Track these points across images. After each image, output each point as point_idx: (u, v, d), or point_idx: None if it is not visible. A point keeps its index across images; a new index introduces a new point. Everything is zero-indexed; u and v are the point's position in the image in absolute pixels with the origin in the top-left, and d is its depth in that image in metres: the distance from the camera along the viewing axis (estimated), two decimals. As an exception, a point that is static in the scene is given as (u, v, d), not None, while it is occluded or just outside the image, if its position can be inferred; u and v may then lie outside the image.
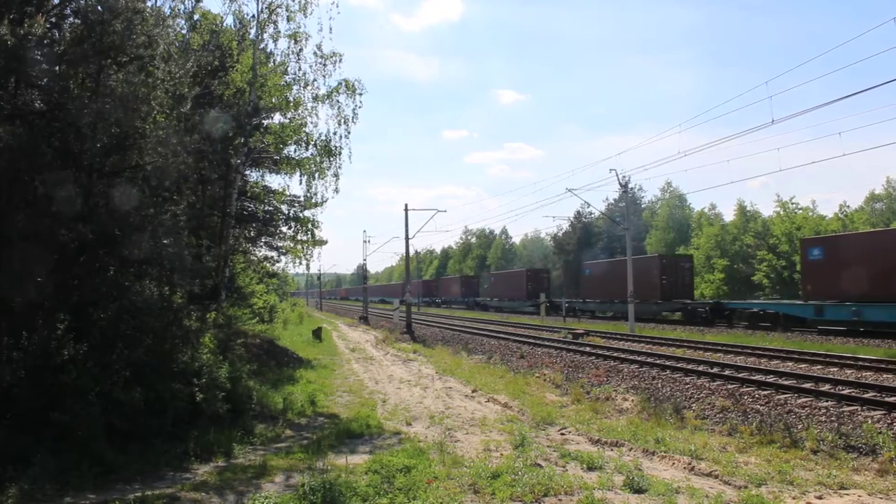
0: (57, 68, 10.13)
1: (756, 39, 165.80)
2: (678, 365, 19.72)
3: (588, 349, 25.40)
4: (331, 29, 17.15)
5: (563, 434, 11.57)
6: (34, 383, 8.85)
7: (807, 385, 15.39)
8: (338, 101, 17.58)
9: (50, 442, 8.54)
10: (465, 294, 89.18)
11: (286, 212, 23.93)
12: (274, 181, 24.53)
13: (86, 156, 10.09)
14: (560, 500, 7.58)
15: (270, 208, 24.18)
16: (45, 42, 9.82)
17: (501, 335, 33.73)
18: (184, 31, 16.50)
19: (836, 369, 18.48)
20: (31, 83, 10.02)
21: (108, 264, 10.79)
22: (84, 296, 10.18)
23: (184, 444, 9.79)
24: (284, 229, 24.60)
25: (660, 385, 17.04)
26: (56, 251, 9.69)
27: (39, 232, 9.41)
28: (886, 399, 13.42)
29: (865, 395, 13.88)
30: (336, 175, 17.90)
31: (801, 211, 61.73)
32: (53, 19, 10.65)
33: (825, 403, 13.54)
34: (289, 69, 17.47)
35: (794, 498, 7.85)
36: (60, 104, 10.06)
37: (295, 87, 17.52)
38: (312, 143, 17.79)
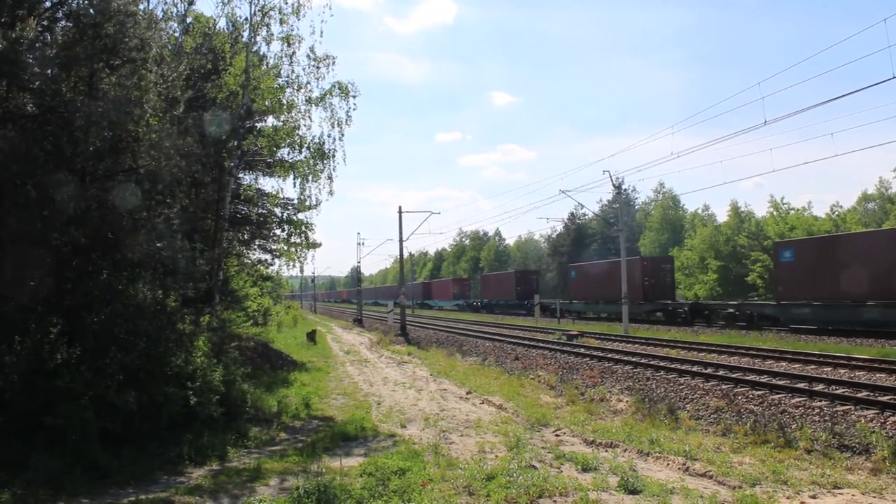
0: (49, 71, 10.12)
1: (747, 41, 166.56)
2: (672, 366, 19.74)
3: (582, 350, 25.41)
4: (322, 32, 17.13)
5: (557, 435, 11.58)
6: (27, 388, 8.83)
7: (800, 385, 15.43)
8: (331, 104, 17.56)
9: (43, 446, 8.53)
10: (523, 295, 66.89)
11: (280, 214, 23.92)
12: (267, 184, 24.52)
13: (78, 159, 10.08)
14: (555, 501, 7.58)
15: (264, 211, 24.16)
16: (37, 45, 9.79)
17: (496, 337, 33.72)
18: (176, 34, 16.49)
19: (829, 369, 18.53)
20: (23, 86, 10.00)
21: (101, 268, 10.76)
22: (77, 299, 10.15)
23: (178, 448, 9.77)
24: (278, 232, 24.63)
25: (654, 386, 17.07)
26: (49, 255, 9.67)
27: (32, 235, 9.38)
28: (879, 398, 13.46)
29: (859, 395, 13.92)
30: (330, 177, 17.88)
31: (794, 211, 61.95)
32: (45, 22, 10.64)
33: (819, 403, 13.57)
34: (282, 72, 17.45)
35: (788, 497, 7.87)
36: (53, 107, 10.04)
37: (288, 90, 17.50)
38: (306, 145, 17.76)
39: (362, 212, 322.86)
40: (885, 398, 13.48)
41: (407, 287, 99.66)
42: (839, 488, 8.36)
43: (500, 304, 72.20)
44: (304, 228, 20.28)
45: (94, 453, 8.79)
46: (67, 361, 9.25)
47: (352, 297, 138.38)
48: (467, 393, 16.56)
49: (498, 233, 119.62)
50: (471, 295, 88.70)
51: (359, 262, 66.62)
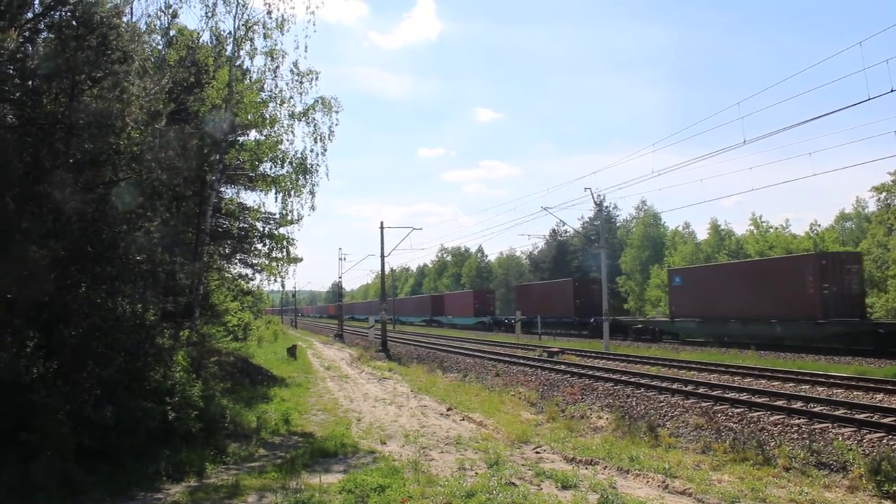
0: (30, 83, 10.04)
1: (727, 61, 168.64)
2: (652, 383, 19.81)
3: (563, 367, 25.45)
4: (306, 47, 17.14)
5: (537, 452, 11.57)
6: (2, 402, 8.69)
7: (779, 403, 15.53)
8: (314, 119, 17.55)
9: (17, 462, 8.39)
10: (584, 310, 51.22)
11: (261, 229, 23.85)
12: (249, 198, 24.54)
13: (58, 171, 9.99)
14: (535, 518, 7.57)
15: (245, 225, 24.07)
16: (18, 56, 9.72)
17: (476, 353, 33.69)
18: (160, 47, 16.43)
19: (807, 387, 18.68)
20: (3, 97, 9.92)
21: (80, 281, 10.65)
22: (55, 313, 10.02)
23: (155, 464, 9.65)
24: (259, 246, 24.53)
25: (634, 403, 17.11)
26: (26, 267, 9.56)
27: (9, 248, 9.28)
28: (856, 416, 13.58)
29: (836, 413, 14.04)
30: (312, 192, 17.85)
31: (773, 230, 62.57)
32: (27, 33, 10.56)
33: (797, 421, 13.67)
34: (265, 86, 17.43)
35: (766, 515, 7.90)
36: (33, 119, 9.97)
37: (271, 105, 17.47)
38: (288, 160, 17.71)
39: (344, 227, 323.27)
40: (861, 416, 13.61)
41: (410, 301, 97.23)
42: (817, 506, 8.43)
43: (547, 323, 52.57)
44: (285, 243, 20.23)
45: (69, 469, 8.66)
46: (44, 376, 9.12)
47: (350, 311, 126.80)
48: (448, 409, 16.51)
49: (480, 249, 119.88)
50: (496, 310, 74.25)
51: (340, 278, 66.61)
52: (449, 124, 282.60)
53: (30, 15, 10.75)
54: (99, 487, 8.70)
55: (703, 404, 16.02)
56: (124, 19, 11.69)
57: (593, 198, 37.52)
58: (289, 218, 18.65)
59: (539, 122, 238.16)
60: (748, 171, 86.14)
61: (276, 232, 21.72)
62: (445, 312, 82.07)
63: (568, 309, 53.15)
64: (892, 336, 28.24)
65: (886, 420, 13.13)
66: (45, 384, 9.04)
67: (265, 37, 16.88)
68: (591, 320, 48.61)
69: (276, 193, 18.14)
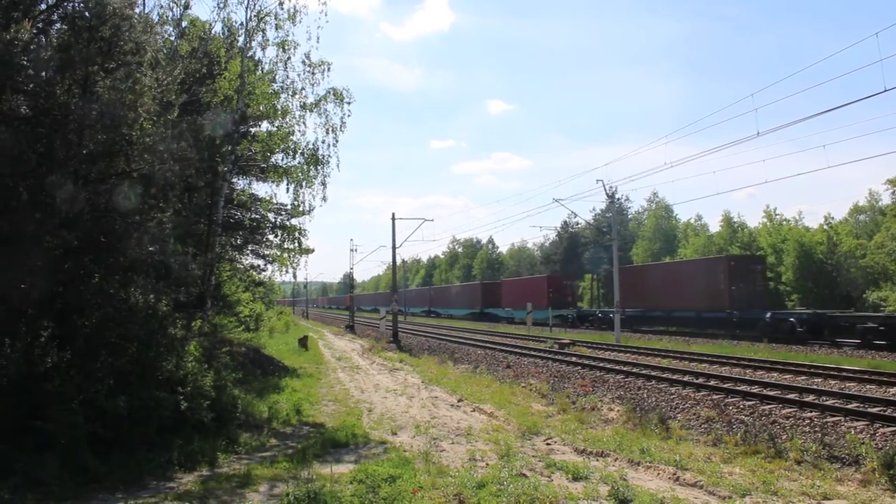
0: (43, 74, 10.08)
1: (740, 52, 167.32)
2: (663, 375, 19.76)
3: (574, 359, 25.41)
4: (318, 38, 17.18)
5: (548, 444, 11.57)
6: (17, 391, 8.77)
7: (791, 396, 15.46)
8: (325, 110, 17.56)
9: (32, 451, 8.47)
10: (741, 301, 36.45)
11: (273, 220, 23.90)
12: (261, 189, 24.58)
13: (71, 162, 10.04)
14: (545, 510, 7.57)
15: (257, 216, 24.13)
16: (32, 47, 9.76)
17: (488, 345, 33.67)
18: (172, 38, 16.48)
19: (819, 380, 18.58)
20: (16, 88, 9.96)
21: (93, 271, 10.72)
22: (68, 303, 10.10)
23: (168, 453, 9.72)
24: (271, 237, 24.59)
25: (645, 395, 17.08)
26: (40, 258, 9.61)
27: (23, 238, 9.33)
28: (869, 410, 13.50)
29: (849, 406, 13.96)
30: (323, 184, 17.88)
31: (786, 222, 62.19)
32: (41, 24, 10.61)
33: (809, 414, 13.61)
34: (277, 77, 17.46)
35: (778, 508, 7.87)
36: (46, 110, 10.01)
37: (283, 96, 17.51)
38: (300, 151, 17.74)
39: (355, 218, 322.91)
40: (874, 409, 13.53)
41: (451, 290, 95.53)
42: (829, 499, 8.39)
43: (675, 318, 41.22)
44: (297, 234, 20.29)
45: (83, 458, 8.73)
46: (58, 365, 9.20)
47: (362, 302, 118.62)
48: (458, 400, 16.54)
49: (491, 240, 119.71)
50: (573, 301, 58.69)
51: (351, 269, 66.73)
52: (460, 116, 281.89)
53: (43, 6, 10.79)
54: (112, 476, 8.77)
55: (715, 397, 15.97)
56: (137, 10, 11.72)
57: (605, 189, 37.41)
58: (300, 209, 18.72)
59: (551, 114, 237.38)
60: (761, 163, 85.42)
61: (287, 223, 21.81)
62: (503, 304, 65.01)
63: (717, 299, 37.76)
64: None
65: (900, 414, 13.05)
66: (59, 374, 9.12)
67: (277, 27, 16.91)
68: (767, 316, 34.15)
69: (287, 184, 18.21)
